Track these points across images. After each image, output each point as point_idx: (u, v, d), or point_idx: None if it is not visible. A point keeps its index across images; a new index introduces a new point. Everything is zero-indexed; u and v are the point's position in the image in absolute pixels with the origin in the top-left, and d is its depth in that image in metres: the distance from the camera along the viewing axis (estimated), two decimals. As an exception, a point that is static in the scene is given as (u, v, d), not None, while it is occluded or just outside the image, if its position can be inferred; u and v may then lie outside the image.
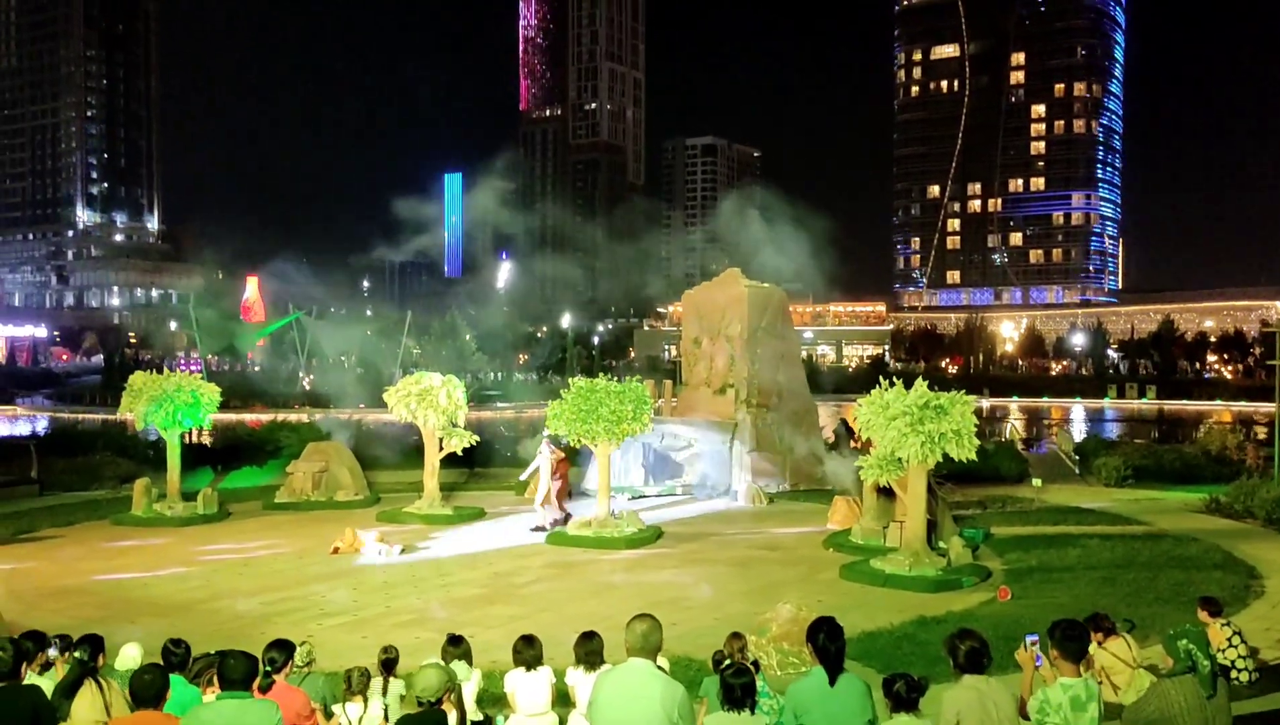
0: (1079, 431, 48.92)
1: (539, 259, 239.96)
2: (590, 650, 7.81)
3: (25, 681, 6.22)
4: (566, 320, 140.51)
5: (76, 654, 7.44)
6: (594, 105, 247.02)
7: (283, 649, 7.48)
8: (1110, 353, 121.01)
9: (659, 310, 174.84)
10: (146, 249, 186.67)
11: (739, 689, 5.70)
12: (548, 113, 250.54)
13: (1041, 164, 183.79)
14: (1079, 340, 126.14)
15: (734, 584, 15.16)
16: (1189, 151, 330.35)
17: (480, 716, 8.21)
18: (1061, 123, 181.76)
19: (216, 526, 20.35)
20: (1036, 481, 25.45)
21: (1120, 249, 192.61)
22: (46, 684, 7.26)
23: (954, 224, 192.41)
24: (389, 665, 8.01)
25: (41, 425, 49.17)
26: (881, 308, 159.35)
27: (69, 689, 6.90)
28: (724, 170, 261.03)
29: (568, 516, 19.68)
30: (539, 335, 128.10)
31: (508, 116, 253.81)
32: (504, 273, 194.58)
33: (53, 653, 8.33)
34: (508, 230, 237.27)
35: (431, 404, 20.51)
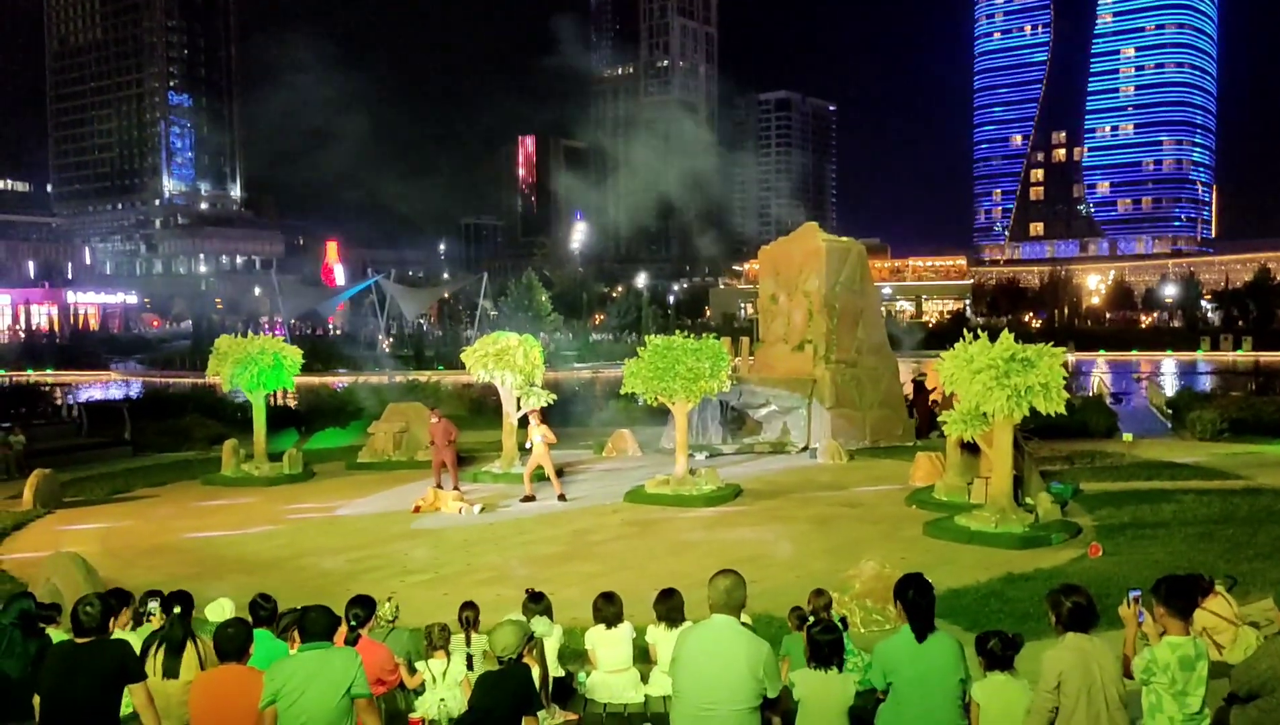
0: (1171, 385, 47.46)
1: (613, 219, 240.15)
2: (671, 607, 7.75)
3: (113, 636, 6.34)
4: (641, 279, 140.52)
5: (175, 611, 7.60)
6: (665, 62, 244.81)
7: (365, 605, 7.55)
8: (1203, 304, 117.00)
9: (734, 268, 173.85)
10: (230, 216, 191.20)
11: (826, 646, 5.56)
12: (619, 71, 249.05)
13: (1130, 109, 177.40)
14: (1170, 291, 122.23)
15: (815, 541, 14.96)
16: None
17: (562, 672, 8.21)
18: (1152, 64, 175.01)
19: (301, 486, 20.74)
20: (1127, 436, 24.68)
21: (1214, 196, 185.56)
22: (136, 640, 7.41)
23: (1037, 174, 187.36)
24: (471, 621, 8.01)
25: (134, 389, 50.81)
26: (962, 261, 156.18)
27: (178, 647, 7.04)
28: (798, 125, 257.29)
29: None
30: (614, 295, 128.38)
31: (580, 76, 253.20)
32: (579, 233, 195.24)
33: (153, 605, 8.55)
34: (581, 190, 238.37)
35: (509, 363, 20.55)
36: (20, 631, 7.27)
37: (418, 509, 17.46)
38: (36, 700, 5.77)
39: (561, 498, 18.30)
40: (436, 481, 18.71)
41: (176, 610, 7.57)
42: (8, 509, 18.09)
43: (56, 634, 7.54)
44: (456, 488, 18.64)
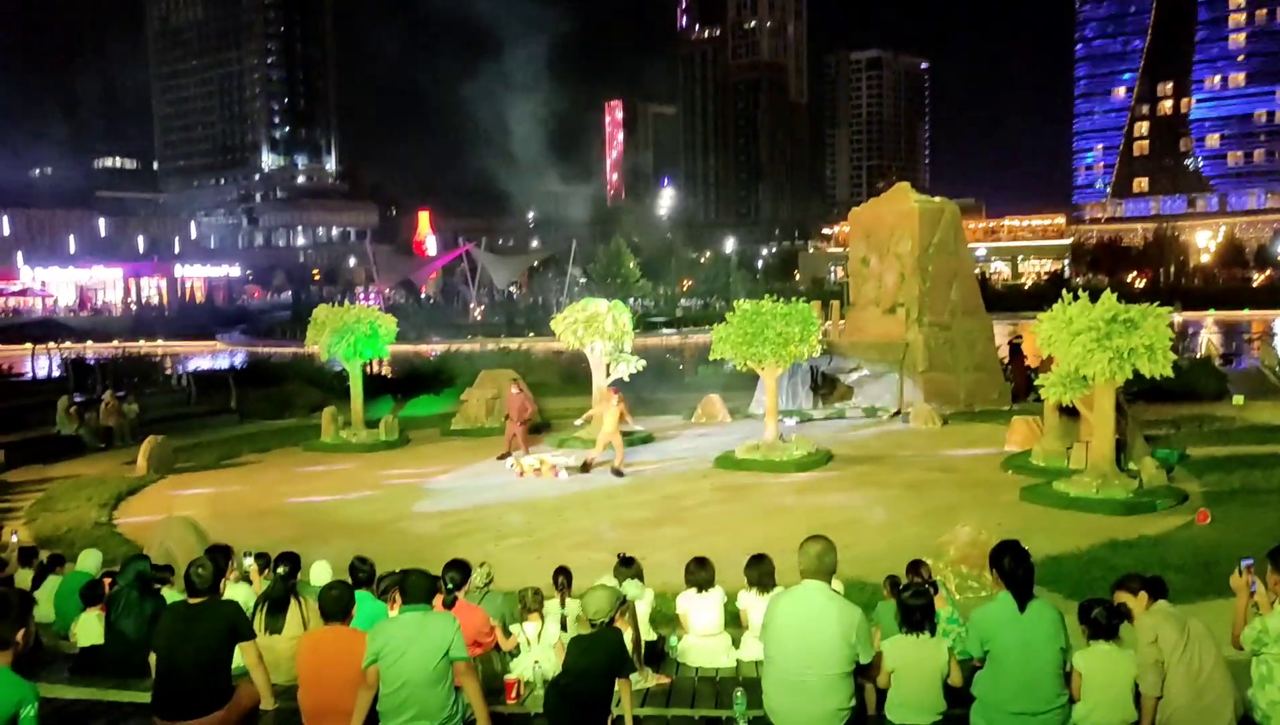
0: (1284, 346, 45.46)
1: (700, 183, 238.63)
2: (762, 573, 7.75)
3: (224, 596, 6.59)
4: (730, 244, 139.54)
5: (279, 571, 7.89)
6: (753, 23, 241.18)
7: (460, 569, 7.70)
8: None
9: (824, 231, 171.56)
10: (326, 190, 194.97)
11: (918, 610, 5.50)
12: (706, 34, 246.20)
13: (1241, 57, 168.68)
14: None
15: (908, 506, 14.77)
16: None
17: (654, 636, 8.26)
18: (1264, 11, 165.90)
19: (398, 452, 21.22)
20: (1238, 399, 23.76)
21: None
22: (242, 595, 7.71)
23: (1142, 127, 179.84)
24: (564, 585, 8.10)
25: (239, 359, 52.43)
26: (1060, 220, 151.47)
27: (277, 604, 7.32)
28: (890, 84, 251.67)
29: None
30: (702, 261, 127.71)
31: (665, 40, 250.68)
32: (666, 199, 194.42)
33: (249, 562, 8.89)
34: (669, 155, 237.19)
35: (598, 330, 20.66)
36: (137, 592, 7.64)
37: (521, 471, 17.81)
38: (152, 658, 6.03)
39: (617, 472, 17.76)
40: (507, 449, 19.00)
41: (281, 570, 7.84)
42: (123, 474, 18.92)
43: (171, 594, 7.88)
44: (527, 452, 18.84)
